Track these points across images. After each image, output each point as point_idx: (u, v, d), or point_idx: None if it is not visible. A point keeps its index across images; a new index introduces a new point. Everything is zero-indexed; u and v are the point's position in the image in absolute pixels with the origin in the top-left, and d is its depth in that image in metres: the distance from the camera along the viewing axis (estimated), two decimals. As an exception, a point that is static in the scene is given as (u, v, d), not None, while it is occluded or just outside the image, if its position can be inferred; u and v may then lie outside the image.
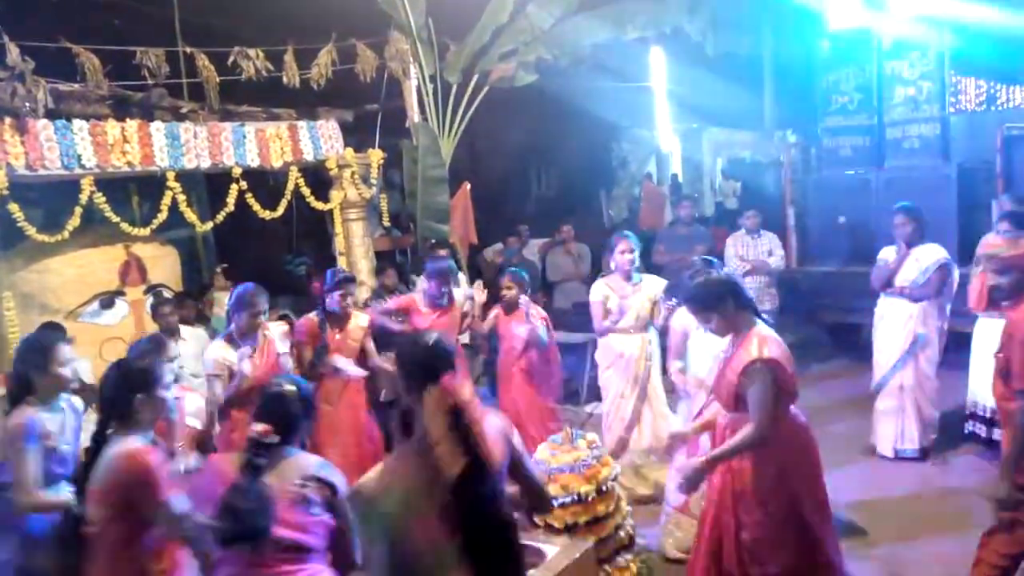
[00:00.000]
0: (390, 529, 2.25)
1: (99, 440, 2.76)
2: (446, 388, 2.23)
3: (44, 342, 3.26)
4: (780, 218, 8.38)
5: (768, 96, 10.18)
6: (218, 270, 7.12)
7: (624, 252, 5.05)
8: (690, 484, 3.13)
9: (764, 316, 3.24)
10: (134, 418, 2.75)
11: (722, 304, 3.09)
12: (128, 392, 2.75)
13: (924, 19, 7.62)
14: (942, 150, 7.91)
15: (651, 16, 7.77)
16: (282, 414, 2.63)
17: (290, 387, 2.71)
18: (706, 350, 3.88)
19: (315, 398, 2.87)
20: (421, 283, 6.50)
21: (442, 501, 2.18)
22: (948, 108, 8.03)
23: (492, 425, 2.35)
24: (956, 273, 5.36)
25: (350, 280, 4.93)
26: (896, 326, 5.33)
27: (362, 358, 4.91)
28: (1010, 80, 8.34)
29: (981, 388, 5.12)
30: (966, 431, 5.32)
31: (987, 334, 5.09)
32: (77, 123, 5.03)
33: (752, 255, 7.06)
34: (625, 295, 5.07)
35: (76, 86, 5.44)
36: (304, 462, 2.65)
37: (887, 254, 5.44)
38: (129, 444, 2.68)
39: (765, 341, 2.99)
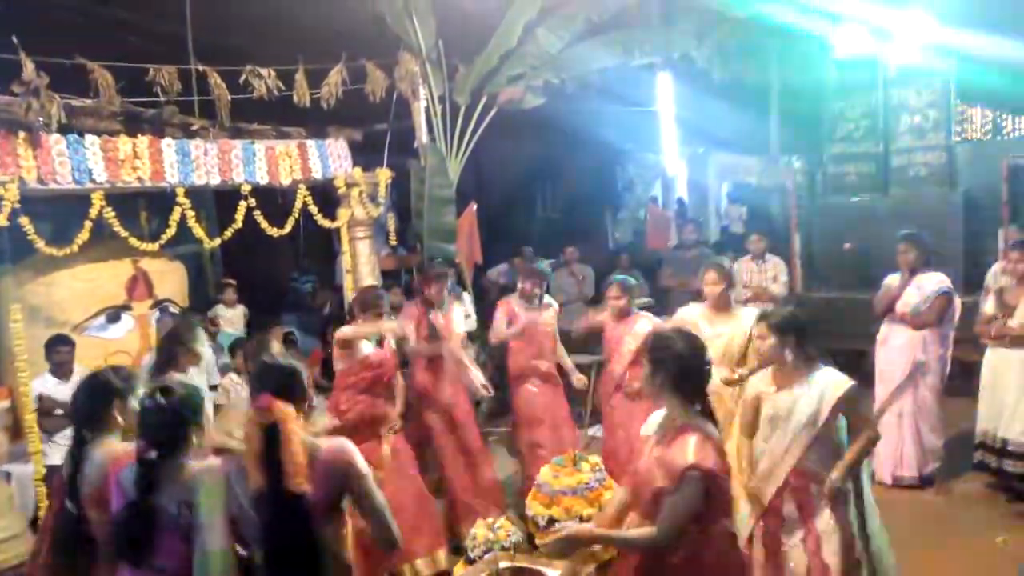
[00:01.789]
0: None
1: (78, 450, 2.82)
2: (262, 407, 2.39)
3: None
4: (786, 243, 8.39)
5: (774, 122, 10.21)
6: (230, 282, 7.11)
7: (711, 283, 4.72)
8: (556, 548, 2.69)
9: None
10: (109, 424, 2.83)
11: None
12: (105, 399, 2.85)
13: (930, 48, 7.67)
14: (948, 178, 7.93)
15: (659, 42, 7.85)
16: (156, 427, 2.52)
17: (161, 399, 2.56)
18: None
19: (201, 401, 2.76)
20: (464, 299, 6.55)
21: (237, 510, 2.41)
22: (954, 137, 8.07)
23: (322, 451, 2.44)
24: (958, 301, 5.36)
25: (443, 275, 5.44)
26: (897, 352, 5.33)
27: None
28: (1016, 110, 8.38)
29: (991, 418, 5.10)
30: (975, 461, 5.29)
31: (997, 364, 5.08)
32: (89, 138, 5.06)
33: (756, 281, 7.02)
34: (714, 325, 4.72)
35: (89, 102, 5.48)
36: (184, 481, 2.51)
37: (892, 281, 5.45)
38: (115, 447, 2.77)
39: (703, 444, 2.49)
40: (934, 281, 5.24)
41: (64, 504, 2.81)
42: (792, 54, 8.93)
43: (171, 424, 2.54)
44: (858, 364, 6.52)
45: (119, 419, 2.84)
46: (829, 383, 3.35)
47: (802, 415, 3.31)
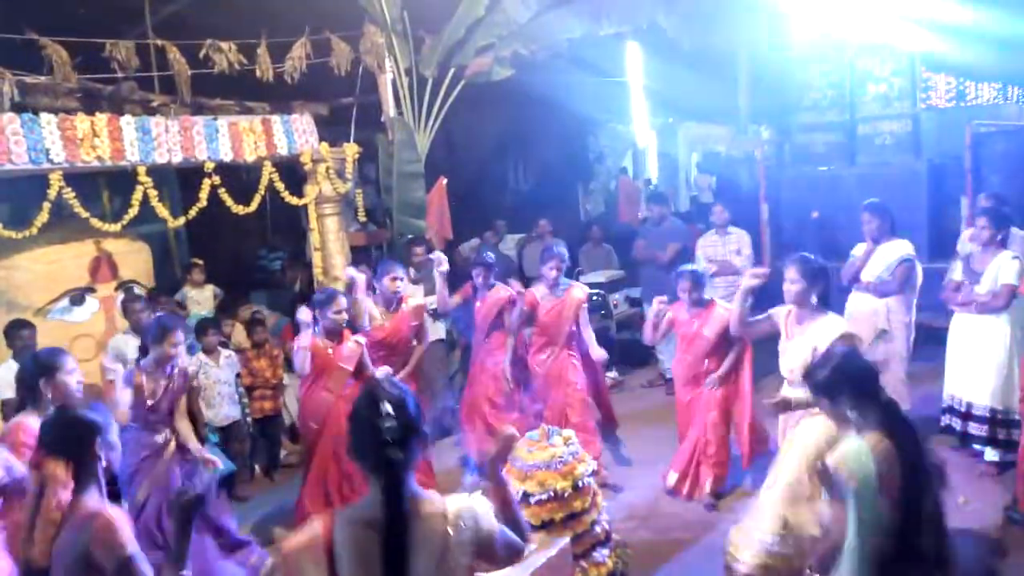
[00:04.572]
0: None
1: None
2: (33, 465, 2.33)
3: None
4: (755, 213, 8.44)
5: (743, 91, 10.23)
6: (197, 262, 6.97)
7: (789, 280, 3.89)
8: None
9: None
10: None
11: None
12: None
13: (894, 18, 7.69)
14: (913, 147, 8.01)
15: (627, 11, 7.77)
16: None
17: None
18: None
19: None
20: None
21: None
22: (919, 104, 8.13)
23: (78, 520, 2.21)
24: (920, 268, 5.43)
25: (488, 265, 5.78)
26: (862, 321, 5.40)
27: None
28: (979, 77, 8.46)
29: (957, 383, 5.20)
30: (941, 425, 5.40)
31: (963, 330, 5.17)
32: (45, 117, 4.92)
33: (720, 255, 6.99)
34: (789, 336, 3.92)
35: (43, 79, 5.33)
36: None
37: (859, 250, 5.51)
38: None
39: None
40: (897, 250, 5.31)
41: None
42: (759, 23, 8.91)
43: None
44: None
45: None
46: None
47: None
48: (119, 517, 2.21)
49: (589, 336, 5.47)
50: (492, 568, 2.03)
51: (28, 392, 3.30)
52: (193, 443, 4.28)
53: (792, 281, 3.84)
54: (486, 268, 5.76)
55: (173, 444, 4.22)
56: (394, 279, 5.19)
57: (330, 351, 4.72)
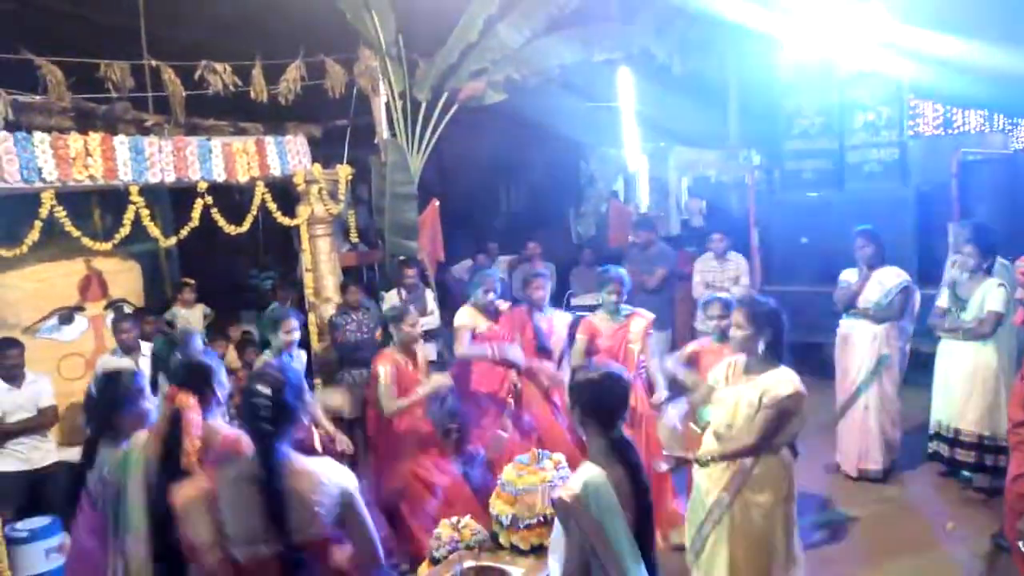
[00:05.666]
0: None
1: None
2: (169, 396, 2.92)
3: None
4: (745, 238, 8.50)
5: (733, 117, 10.34)
6: (188, 282, 6.95)
7: (737, 326, 3.54)
8: None
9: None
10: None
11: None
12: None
13: (884, 45, 7.81)
14: (900, 174, 8.09)
15: (619, 38, 7.87)
16: (87, 412, 3.39)
17: (92, 386, 3.30)
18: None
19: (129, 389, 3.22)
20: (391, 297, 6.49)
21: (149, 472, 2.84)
22: (907, 132, 8.22)
23: (219, 438, 2.87)
24: (917, 295, 5.48)
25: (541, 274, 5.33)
26: (860, 347, 5.43)
27: None
28: (965, 104, 8.58)
29: (945, 409, 5.23)
30: (930, 451, 5.42)
31: (950, 356, 5.21)
32: (38, 135, 4.92)
33: (719, 280, 7.03)
34: (731, 381, 3.57)
35: (37, 98, 5.35)
36: (110, 459, 3.01)
37: (848, 276, 5.55)
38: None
39: None
40: (895, 276, 5.36)
41: None
42: (749, 50, 9.02)
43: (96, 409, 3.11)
44: (817, 357, 6.64)
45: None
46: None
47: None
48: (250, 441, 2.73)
49: (652, 367, 5.01)
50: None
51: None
52: (325, 424, 4.87)
53: (738, 326, 3.48)
54: (540, 278, 5.20)
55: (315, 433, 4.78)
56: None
57: (409, 367, 4.75)
